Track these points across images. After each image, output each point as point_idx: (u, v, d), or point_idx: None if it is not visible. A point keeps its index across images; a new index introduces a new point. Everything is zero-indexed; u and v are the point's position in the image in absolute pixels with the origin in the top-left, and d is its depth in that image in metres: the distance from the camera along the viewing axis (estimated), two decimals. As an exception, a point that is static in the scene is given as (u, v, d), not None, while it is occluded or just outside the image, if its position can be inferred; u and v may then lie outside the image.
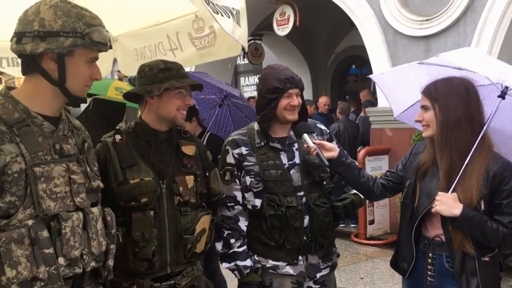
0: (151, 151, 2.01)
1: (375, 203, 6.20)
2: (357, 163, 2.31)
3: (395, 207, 5.98)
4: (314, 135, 2.27)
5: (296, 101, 2.27)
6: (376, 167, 6.42)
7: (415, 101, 2.29)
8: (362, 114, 7.81)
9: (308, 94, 11.55)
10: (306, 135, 2.23)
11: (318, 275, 2.34)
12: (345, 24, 9.14)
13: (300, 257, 2.29)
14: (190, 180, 2.03)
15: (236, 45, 2.72)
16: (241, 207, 2.32)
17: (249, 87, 13.92)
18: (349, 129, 7.26)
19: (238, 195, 2.32)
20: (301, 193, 2.29)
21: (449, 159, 1.95)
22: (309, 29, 11.26)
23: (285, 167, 2.30)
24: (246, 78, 14.15)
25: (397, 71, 2.28)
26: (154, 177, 1.96)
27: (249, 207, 2.32)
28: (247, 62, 11.92)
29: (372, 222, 6.41)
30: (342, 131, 7.09)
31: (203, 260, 2.46)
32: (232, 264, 2.26)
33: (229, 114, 4.14)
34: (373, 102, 7.29)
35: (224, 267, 2.34)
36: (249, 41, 11.25)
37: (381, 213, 6.44)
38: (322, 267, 2.35)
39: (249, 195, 2.32)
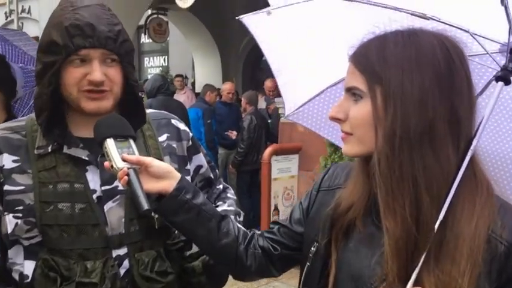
0: None
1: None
2: (212, 205, 1.13)
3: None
4: (132, 143, 1.10)
5: (99, 73, 1.11)
6: (284, 169, 5.50)
7: (327, 85, 1.21)
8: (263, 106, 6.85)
9: (217, 81, 10.40)
10: (109, 142, 1.05)
11: None
12: (260, 3, 8.11)
13: None
14: None
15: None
16: None
17: (153, 69, 12.40)
18: (262, 123, 6.21)
19: None
20: (123, 250, 1.18)
21: (408, 207, 0.86)
22: (222, 8, 10.13)
23: (94, 196, 1.17)
24: (151, 58, 12.69)
25: (301, 10, 1.13)
26: None
27: (15, 276, 1.18)
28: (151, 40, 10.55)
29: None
30: (259, 125, 6.02)
31: None
32: None
33: None
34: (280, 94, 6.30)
35: None
36: (151, 15, 9.89)
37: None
38: None
39: (14, 253, 1.19)
